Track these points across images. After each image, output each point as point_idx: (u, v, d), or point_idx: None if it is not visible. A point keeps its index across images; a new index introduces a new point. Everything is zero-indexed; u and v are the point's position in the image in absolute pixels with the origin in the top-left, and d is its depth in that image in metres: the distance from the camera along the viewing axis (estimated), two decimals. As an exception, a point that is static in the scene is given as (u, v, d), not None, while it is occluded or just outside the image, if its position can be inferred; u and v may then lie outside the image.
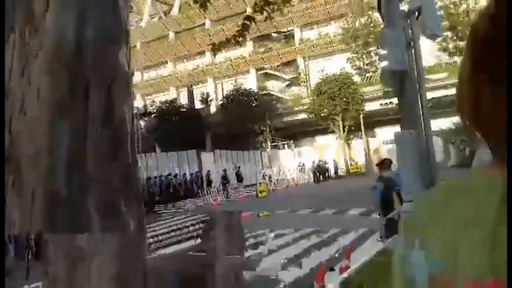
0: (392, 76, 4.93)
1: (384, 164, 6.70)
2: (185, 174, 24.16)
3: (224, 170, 23.71)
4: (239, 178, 25.15)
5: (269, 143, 34.35)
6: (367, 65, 36.01)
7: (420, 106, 5.76)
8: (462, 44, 32.06)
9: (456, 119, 29.79)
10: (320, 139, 37.08)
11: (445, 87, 31.54)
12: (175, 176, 22.62)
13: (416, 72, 4.79)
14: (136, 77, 51.28)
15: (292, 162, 30.44)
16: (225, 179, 23.08)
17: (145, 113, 26.79)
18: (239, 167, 27.15)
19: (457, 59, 33.33)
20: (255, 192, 20.30)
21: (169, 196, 19.16)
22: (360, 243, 7.59)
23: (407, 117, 6.19)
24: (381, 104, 36.98)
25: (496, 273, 0.40)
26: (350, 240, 7.68)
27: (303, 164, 29.00)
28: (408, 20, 4.82)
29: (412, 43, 4.66)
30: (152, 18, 52.40)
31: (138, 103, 46.90)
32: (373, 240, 7.04)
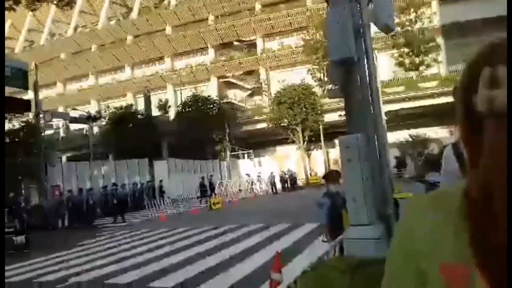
0: (336, 68, 4.16)
1: (331, 176, 5.78)
2: (135, 184, 22.54)
3: (202, 178, 23.87)
4: (211, 187, 23.87)
5: (228, 152, 33.34)
6: (327, 76, 36.15)
7: (370, 104, 5.01)
8: (417, 59, 33.02)
9: (413, 131, 30.44)
10: (280, 149, 36.61)
11: (402, 100, 32.23)
12: (123, 186, 20.99)
13: (366, 64, 4.04)
14: (90, 81, 48.77)
15: (252, 172, 29.56)
16: (203, 187, 23.04)
17: (89, 118, 24.87)
18: (211, 176, 26.09)
19: (413, 74, 34.31)
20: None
21: (114, 208, 17.56)
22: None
23: (355, 118, 5.42)
24: (340, 115, 37.33)
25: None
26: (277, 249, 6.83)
27: (259, 175, 28.14)
28: (358, 6, 4.10)
29: (362, 31, 3.91)
30: (110, 20, 50.22)
31: (93, 108, 44.48)
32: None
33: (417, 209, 0.65)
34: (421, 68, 33.08)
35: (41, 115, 17.93)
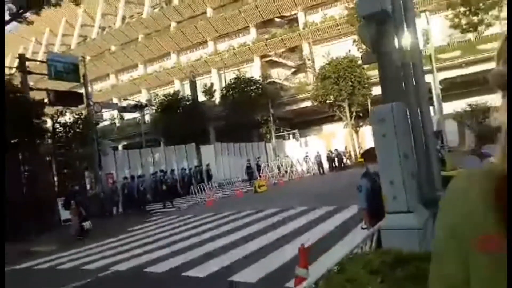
0: (367, 25, 3.63)
1: (370, 154, 4.88)
2: (183, 169, 23.19)
3: (248, 160, 24.69)
4: (258, 170, 24.07)
5: (273, 134, 33.08)
6: (358, 35, 34.02)
7: (409, 67, 4.43)
8: (475, 18, 29.89)
9: (471, 100, 27.90)
10: (327, 128, 35.61)
11: (459, 66, 29.60)
12: (172, 172, 21.68)
13: (403, 20, 3.46)
14: (140, 71, 50.56)
15: (298, 153, 29.11)
16: (249, 169, 23.61)
17: (136, 106, 25.78)
18: (258, 158, 26.43)
19: (471, 36, 31.21)
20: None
21: (163, 194, 18.24)
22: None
23: (391, 85, 4.80)
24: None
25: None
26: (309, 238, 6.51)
27: (307, 155, 27.49)
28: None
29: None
30: (154, 8, 51.28)
31: (144, 97, 46.26)
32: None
33: (459, 184, 0.67)
34: (480, 28, 29.90)
35: (91, 107, 18.83)
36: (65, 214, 15.67)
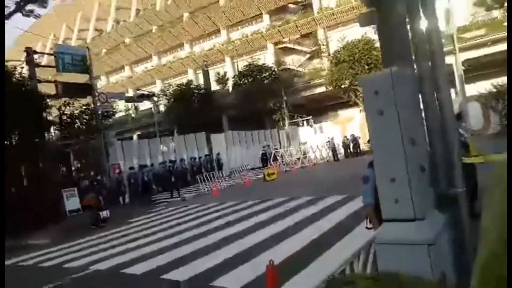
0: None
1: None
2: (193, 158, 22.80)
3: (264, 147, 24.87)
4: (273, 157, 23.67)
5: (287, 120, 32.26)
6: None
7: (418, 18, 3.47)
8: (502, -6, 27.92)
9: (497, 80, 26.18)
10: (342, 113, 34.43)
11: (484, 45, 27.81)
12: (182, 161, 21.33)
13: None
14: (154, 62, 50.52)
15: (312, 139, 28.22)
16: (265, 156, 23.26)
17: (143, 96, 25.52)
18: (268, 146, 26.00)
19: (497, 14, 29.26)
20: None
21: (170, 183, 17.88)
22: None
23: (390, 44, 3.80)
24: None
25: None
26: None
27: (329, 141, 26.44)
28: None
29: None
30: (167, 0, 50.89)
31: (158, 87, 46.21)
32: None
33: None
34: (506, 4, 27.93)
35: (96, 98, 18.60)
36: (71, 205, 15.57)
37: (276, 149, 24.73)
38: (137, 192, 17.23)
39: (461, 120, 7.09)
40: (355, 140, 25.72)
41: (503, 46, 26.82)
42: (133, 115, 45.40)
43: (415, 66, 3.58)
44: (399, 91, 2.84)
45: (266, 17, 43.02)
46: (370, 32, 31.03)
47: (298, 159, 23.23)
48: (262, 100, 30.89)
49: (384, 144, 2.90)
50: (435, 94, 3.46)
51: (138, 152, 20.53)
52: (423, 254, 2.65)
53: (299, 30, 40.86)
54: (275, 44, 42.16)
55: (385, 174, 2.91)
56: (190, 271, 5.70)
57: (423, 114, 3.42)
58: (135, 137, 39.08)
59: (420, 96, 3.41)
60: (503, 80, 25.14)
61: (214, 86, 39.79)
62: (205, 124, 30.40)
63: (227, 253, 6.31)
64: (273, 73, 33.59)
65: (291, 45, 41.80)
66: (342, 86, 28.94)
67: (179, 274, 5.69)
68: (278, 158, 22.24)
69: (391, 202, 2.86)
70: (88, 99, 20.43)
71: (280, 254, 5.64)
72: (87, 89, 20.00)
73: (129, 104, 42.45)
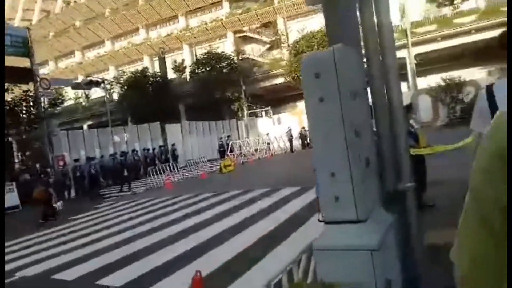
0: None
1: None
2: (146, 149, 21.84)
3: (221, 139, 23.52)
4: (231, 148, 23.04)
5: (246, 111, 31.91)
6: None
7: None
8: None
9: (446, 75, 27.37)
10: (301, 104, 34.61)
11: (434, 40, 28.89)
12: (134, 152, 20.35)
13: None
14: (107, 47, 48.00)
15: (271, 130, 28.11)
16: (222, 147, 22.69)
17: (91, 82, 24.04)
18: (228, 137, 25.44)
19: (447, 11, 30.51)
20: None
21: (119, 176, 16.94)
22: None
23: (337, 24, 3.43)
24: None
25: None
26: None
27: (289, 130, 26.39)
28: None
29: None
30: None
31: (111, 74, 43.98)
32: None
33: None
34: (456, 2, 29.21)
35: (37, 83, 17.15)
36: (9, 201, 14.33)
37: (229, 138, 24.34)
38: (83, 186, 16.15)
39: (411, 112, 6.97)
40: (303, 133, 25.90)
41: (451, 42, 28.01)
42: (84, 104, 43.01)
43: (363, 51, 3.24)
44: (342, 73, 2.39)
45: (226, 5, 42.10)
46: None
47: (256, 150, 22.99)
48: (221, 90, 30.28)
49: (324, 135, 2.48)
50: (384, 84, 3.17)
51: (86, 143, 19.27)
52: (366, 260, 2.32)
53: (259, 19, 40.39)
54: (235, 32, 41.44)
55: (325, 168, 2.49)
56: (126, 276, 5.21)
57: (370, 102, 3.06)
58: (85, 126, 37.05)
59: (367, 82, 3.05)
60: (451, 74, 26.32)
61: (171, 74, 38.49)
62: (161, 113, 29.43)
63: (166, 256, 5.87)
64: (232, 62, 32.97)
65: (251, 34, 41.27)
66: (301, 77, 28.98)
67: (115, 279, 5.18)
68: (235, 149, 21.86)
69: (331, 201, 2.47)
70: (31, 85, 18.85)
71: (234, 247, 5.31)
72: (28, 74, 18.43)
73: (80, 92, 40.14)
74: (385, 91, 3.14)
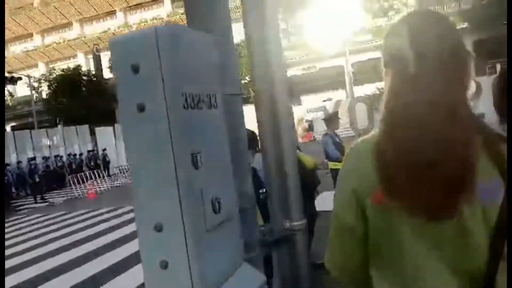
0: None
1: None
2: (74, 154, 20.09)
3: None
4: None
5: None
6: (292, 27, 33.42)
7: None
8: (386, 4, 30.64)
9: (380, 84, 28.63)
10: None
11: (370, 50, 30.12)
12: (57, 158, 18.60)
13: None
14: (36, 41, 44.33)
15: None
16: None
17: (12, 79, 21.83)
18: None
19: (382, 21, 32.01)
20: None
21: (37, 185, 15.27)
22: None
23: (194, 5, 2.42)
24: (304, 69, 35.07)
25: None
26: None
27: None
28: None
29: None
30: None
31: (41, 71, 40.49)
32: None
33: (353, 154, 0.89)
34: (390, 13, 30.74)
35: None
36: None
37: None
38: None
39: (336, 122, 6.20)
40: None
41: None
42: (8, 103, 39.09)
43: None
44: (167, 61, 1.04)
45: (167, 3, 40.76)
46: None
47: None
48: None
49: (144, 163, 1.12)
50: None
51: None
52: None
53: (202, 20, 39.53)
54: (177, 32, 40.21)
55: (146, 218, 1.01)
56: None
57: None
58: (8, 128, 33.65)
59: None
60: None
61: (108, 74, 36.28)
62: (94, 115, 27.52)
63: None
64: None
65: (193, 35, 40.28)
66: (242, 82, 28.70)
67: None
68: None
69: (156, 268, 1.12)
70: None
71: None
72: None
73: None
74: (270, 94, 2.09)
